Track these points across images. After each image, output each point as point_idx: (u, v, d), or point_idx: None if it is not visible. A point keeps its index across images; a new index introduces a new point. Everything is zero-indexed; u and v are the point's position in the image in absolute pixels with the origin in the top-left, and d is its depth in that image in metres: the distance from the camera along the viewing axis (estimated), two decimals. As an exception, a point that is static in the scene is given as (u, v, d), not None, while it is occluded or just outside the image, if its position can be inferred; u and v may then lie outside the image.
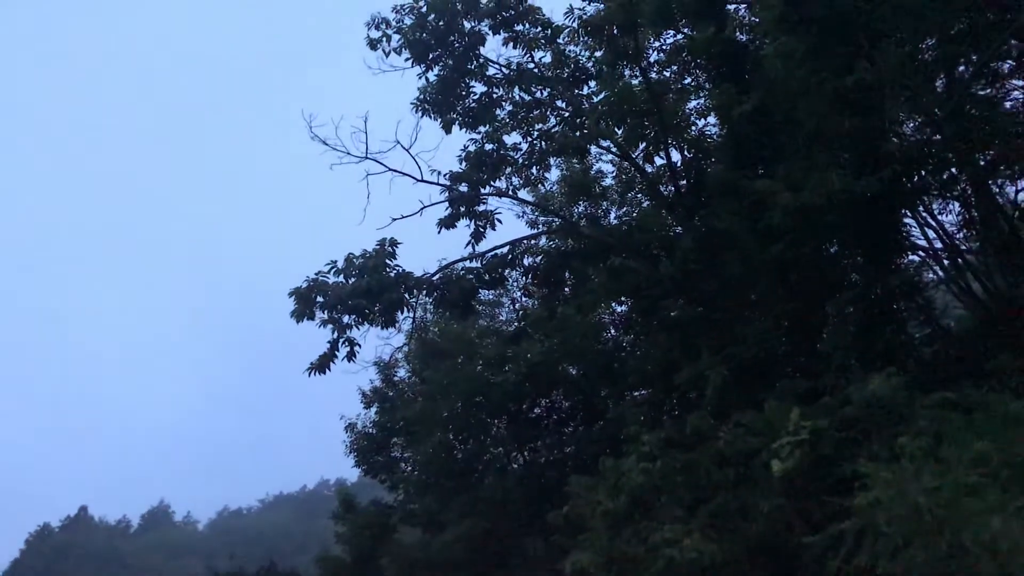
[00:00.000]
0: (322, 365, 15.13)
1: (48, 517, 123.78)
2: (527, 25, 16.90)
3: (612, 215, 20.43)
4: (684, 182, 16.75)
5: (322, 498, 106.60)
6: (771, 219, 12.02)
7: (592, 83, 17.11)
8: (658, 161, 17.16)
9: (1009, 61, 13.43)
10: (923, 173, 12.98)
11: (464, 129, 17.31)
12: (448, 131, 17.13)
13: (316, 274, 15.10)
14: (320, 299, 14.97)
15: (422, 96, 16.97)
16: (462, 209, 16.62)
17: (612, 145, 17.27)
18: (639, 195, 19.83)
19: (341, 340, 15.14)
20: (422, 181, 16.31)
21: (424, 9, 16.36)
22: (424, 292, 16.60)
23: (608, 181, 20.20)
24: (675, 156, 16.87)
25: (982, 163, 13.22)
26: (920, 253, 13.99)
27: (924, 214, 13.76)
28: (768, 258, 12.76)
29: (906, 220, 13.63)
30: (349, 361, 15.28)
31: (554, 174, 19.71)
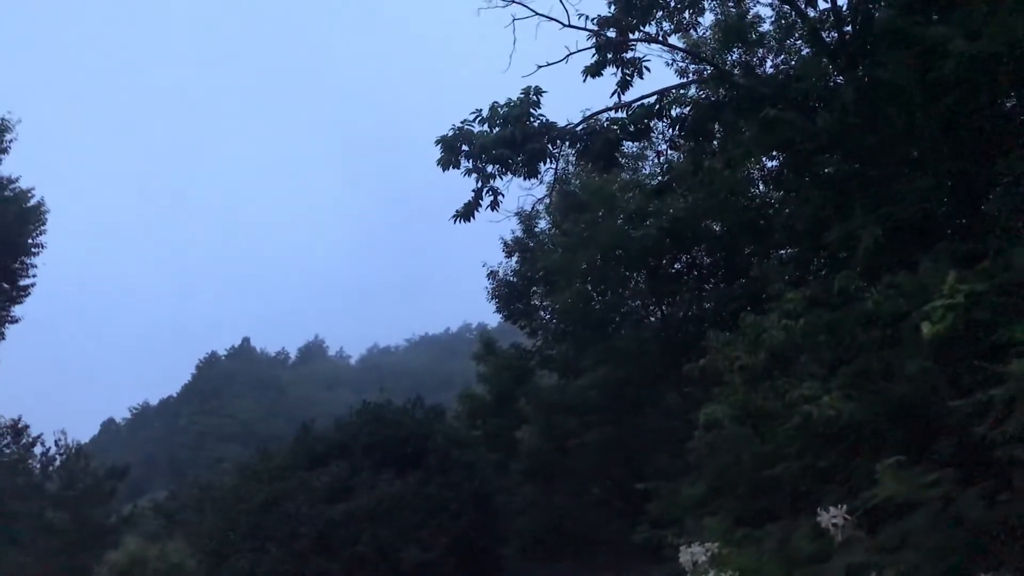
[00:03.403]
0: (467, 213, 15.48)
1: (215, 347, 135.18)
2: None
3: (768, 63, 19.37)
4: (849, 28, 15.60)
5: (464, 340, 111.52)
6: (942, 69, 11.14)
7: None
8: (821, 4, 15.97)
9: None
10: None
11: (614, -32, 16.49)
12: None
13: (462, 123, 15.18)
14: (465, 148, 15.11)
15: (570, -67, 16.16)
16: (609, 56, 16.08)
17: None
18: (798, 42, 18.63)
19: (485, 189, 15.37)
20: (569, 26, 15.81)
21: None
22: (567, 143, 16.44)
23: (766, 27, 19.04)
24: (840, -1, 15.67)
25: None
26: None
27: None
28: (936, 112, 11.92)
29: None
30: (492, 210, 15.56)
31: (707, 18, 18.71)
